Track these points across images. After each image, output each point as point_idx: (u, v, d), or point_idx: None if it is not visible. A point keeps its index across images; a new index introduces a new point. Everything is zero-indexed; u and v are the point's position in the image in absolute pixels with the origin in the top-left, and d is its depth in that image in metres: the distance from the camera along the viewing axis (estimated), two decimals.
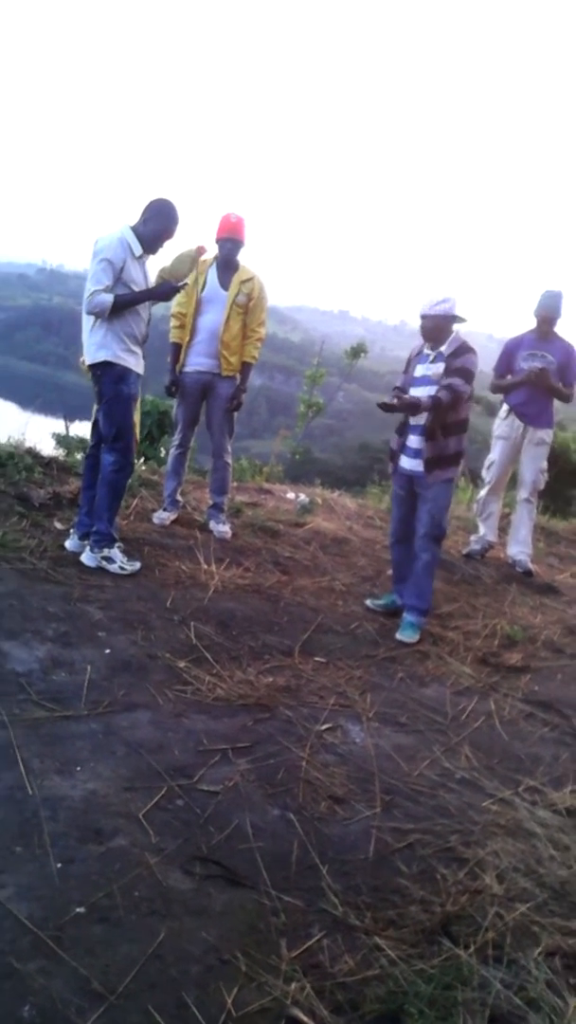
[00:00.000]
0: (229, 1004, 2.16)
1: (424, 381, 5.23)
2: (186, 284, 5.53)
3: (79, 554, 5.10)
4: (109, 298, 4.84)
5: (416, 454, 5.25)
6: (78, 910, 2.37)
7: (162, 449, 8.30)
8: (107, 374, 4.98)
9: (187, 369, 6.14)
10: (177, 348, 6.17)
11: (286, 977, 2.30)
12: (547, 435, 7.10)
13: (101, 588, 4.81)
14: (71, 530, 5.31)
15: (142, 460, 7.61)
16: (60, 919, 2.31)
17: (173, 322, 6.17)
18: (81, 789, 2.96)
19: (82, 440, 7.49)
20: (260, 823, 3.05)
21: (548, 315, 6.88)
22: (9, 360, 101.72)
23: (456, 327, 5.25)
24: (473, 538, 7.50)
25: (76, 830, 2.73)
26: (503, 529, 7.76)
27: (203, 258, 5.73)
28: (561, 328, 6.99)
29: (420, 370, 5.31)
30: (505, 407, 7.17)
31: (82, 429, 7.95)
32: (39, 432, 7.41)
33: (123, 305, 4.91)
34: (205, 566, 5.55)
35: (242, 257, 6.16)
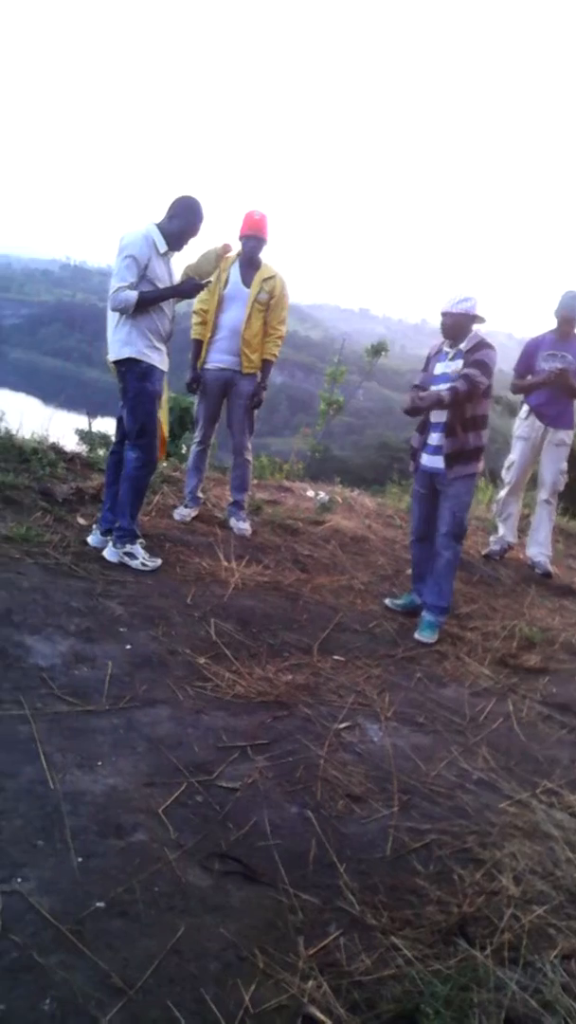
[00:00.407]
0: (247, 1001, 2.18)
1: (444, 379, 5.23)
2: (210, 282, 5.55)
3: (101, 550, 5.13)
4: (133, 295, 4.86)
5: (437, 451, 5.26)
6: (98, 904, 2.39)
7: (183, 446, 8.33)
8: (131, 371, 5.00)
9: (208, 366, 6.16)
10: (198, 345, 6.19)
11: (303, 975, 2.32)
12: (567, 436, 7.08)
13: (123, 584, 4.83)
14: (94, 526, 5.34)
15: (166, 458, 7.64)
16: (80, 913, 2.33)
17: (195, 319, 6.19)
18: (102, 784, 2.98)
19: (105, 436, 7.54)
20: (278, 820, 3.06)
21: (569, 315, 6.85)
22: (33, 356, 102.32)
23: (476, 326, 5.25)
24: (492, 539, 7.50)
25: (97, 825, 2.75)
26: (522, 530, 7.75)
27: (226, 255, 5.76)
28: None
29: (439, 368, 5.31)
30: (525, 408, 7.15)
31: (105, 425, 8.00)
32: (62, 428, 7.46)
33: (147, 302, 4.93)
34: (225, 563, 5.57)
35: (264, 255, 6.18)
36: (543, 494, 7.17)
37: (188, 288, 5.19)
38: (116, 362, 5.05)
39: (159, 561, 5.21)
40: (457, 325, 5.22)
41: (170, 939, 2.33)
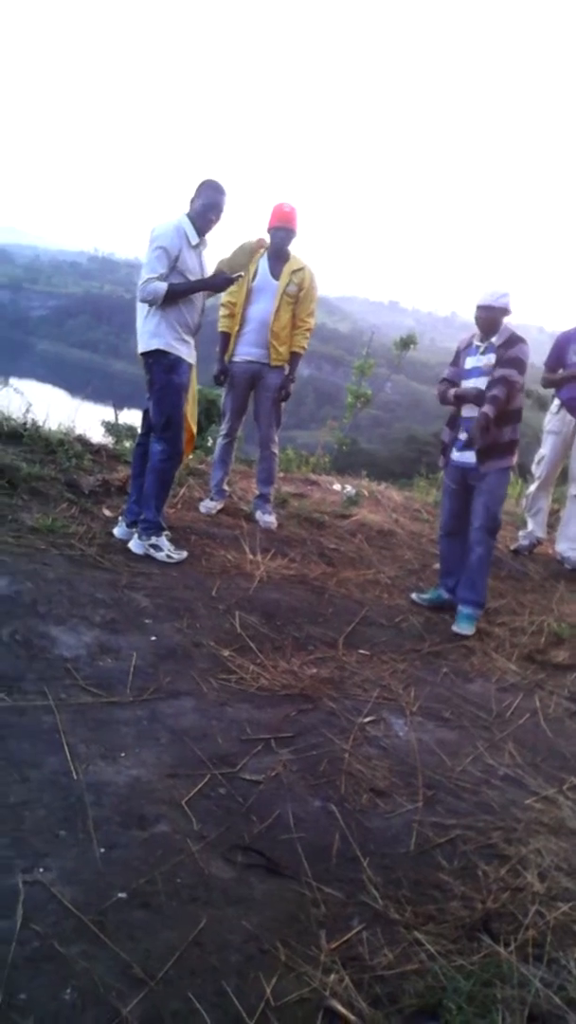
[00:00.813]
0: (268, 993, 2.17)
1: (475, 373, 5.21)
2: (241, 276, 5.53)
3: (127, 541, 5.14)
4: (163, 286, 4.85)
5: (469, 446, 5.22)
6: (120, 895, 2.39)
7: (209, 438, 8.33)
8: (158, 363, 5.00)
9: (236, 358, 6.15)
10: (226, 337, 6.18)
11: (325, 968, 2.30)
12: None
13: (148, 576, 4.84)
14: (119, 517, 5.35)
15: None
16: (102, 904, 2.33)
17: (222, 311, 6.18)
18: (125, 775, 2.99)
19: (131, 428, 7.55)
20: (302, 814, 3.05)
21: None
22: (60, 347, 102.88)
23: (505, 319, 5.22)
24: (521, 534, 7.44)
25: (119, 816, 2.75)
26: (551, 525, 7.69)
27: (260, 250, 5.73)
28: None
29: (471, 362, 5.28)
30: (556, 402, 7.09)
31: (131, 417, 8.01)
32: (89, 419, 7.48)
33: (177, 294, 4.92)
34: (251, 556, 5.57)
35: (293, 247, 6.15)
36: (573, 489, 7.11)
37: (219, 282, 5.18)
38: (144, 354, 5.05)
39: (184, 553, 5.21)
40: (493, 319, 5.20)
41: (192, 931, 2.32)
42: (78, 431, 6.82)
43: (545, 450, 7.19)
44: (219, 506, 6.34)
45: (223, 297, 6.07)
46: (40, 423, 6.61)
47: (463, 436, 5.27)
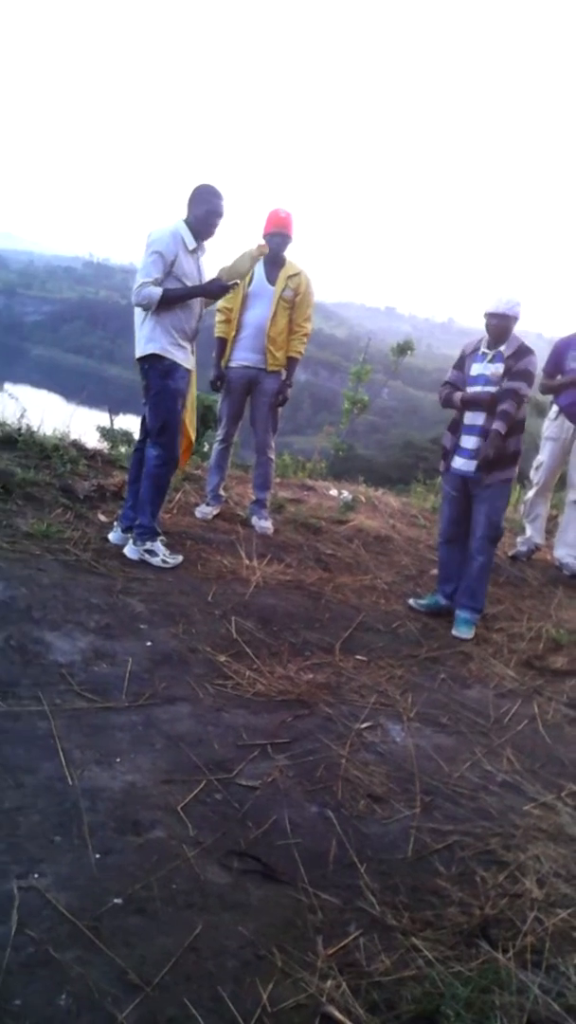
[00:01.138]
0: (264, 999, 2.15)
1: (481, 380, 5.19)
2: (237, 283, 5.52)
3: (122, 547, 5.13)
4: (157, 291, 4.84)
5: (473, 456, 5.20)
6: (115, 901, 2.37)
7: (206, 444, 8.32)
8: (154, 368, 4.99)
9: (233, 364, 6.14)
10: (223, 343, 6.17)
11: (322, 974, 2.29)
12: None
13: (143, 581, 4.82)
14: (115, 522, 5.34)
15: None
16: (98, 910, 2.32)
17: (219, 316, 6.18)
18: (120, 781, 2.97)
19: (126, 433, 7.54)
20: (298, 819, 3.04)
21: None
22: (55, 352, 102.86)
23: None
24: (519, 540, 7.43)
25: (115, 821, 2.74)
26: (550, 531, 7.68)
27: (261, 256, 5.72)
28: None
29: (477, 368, 5.26)
30: (555, 408, 7.08)
31: (126, 422, 8.00)
32: (84, 425, 7.47)
33: (172, 299, 4.91)
34: (247, 561, 5.55)
35: (289, 252, 6.15)
36: (572, 495, 7.10)
37: (215, 288, 5.16)
38: (140, 359, 5.03)
39: (180, 558, 5.19)
40: (505, 328, 5.19)
41: (188, 937, 2.31)
42: (73, 436, 6.80)
43: (543, 456, 7.18)
44: (215, 511, 6.32)
45: (219, 302, 6.06)
46: (35, 428, 6.59)
47: (464, 443, 5.25)
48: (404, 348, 12.16)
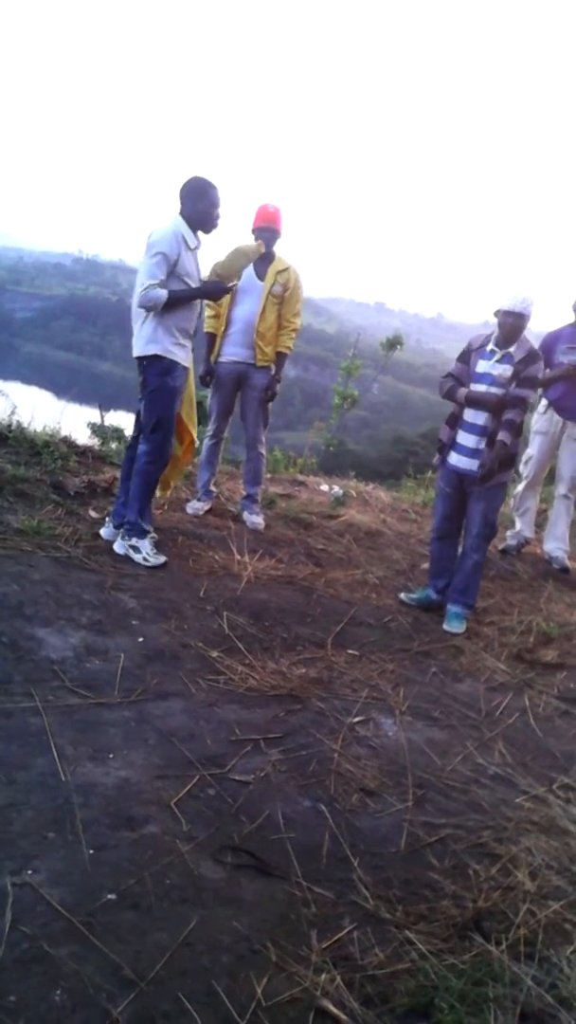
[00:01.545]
0: (259, 994, 2.16)
1: (486, 379, 5.16)
2: (235, 285, 5.49)
3: (113, 543, 5.12)
4: (163, 294, 4.81)
5: (472, 454, 5.19)
6: (109, 896, 2.37)
7: (197, 440, 8.31)
8: (153, 366, 4.97)
9: (222, 359, 6.14)
10: (212, 338, 6.17)
11: (316, 968, 2.30)
12: None
13: (135, 577, 4.82)
14: (107, 519, 5.32)
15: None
16: (92, 905, 2.32)
17: (208, 312, 6.16)
18: (114, 776, 2.97)
19: (117, 430, 7.51)
20: (291, 814, 3.04)
21: None
22: (45, 349, 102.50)
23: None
24: (509, 533, 7.45)
25: (108, 817, 2.74)
26: (540, 525, 7.70)
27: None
28: None
29: (483, 366, 5.22)
30: (544, 402, 7.09)
31: (117, 419, 7.97)
32: (74, 421, 7.44)
33: (176, 302, 4.89)
34: (238, 557, 5.55)
35: (278, 247, 6.14)
36: (561, 489, 7.12)
37: (214, 290, 5.15)
38: (139, 357, 5.02)
39: (163, 559, 5.13)
40: (518, 327, 5.13)
41: (182, 931, 2.31)
42: (63, 433, 6.78)
43: (533, 450, 7.20)
44: (206, 507, 6.32)
45: None
46: (25, 425, 6.57)
47: (463, 440, 5.23)
48: (394, 343, 12.15)
